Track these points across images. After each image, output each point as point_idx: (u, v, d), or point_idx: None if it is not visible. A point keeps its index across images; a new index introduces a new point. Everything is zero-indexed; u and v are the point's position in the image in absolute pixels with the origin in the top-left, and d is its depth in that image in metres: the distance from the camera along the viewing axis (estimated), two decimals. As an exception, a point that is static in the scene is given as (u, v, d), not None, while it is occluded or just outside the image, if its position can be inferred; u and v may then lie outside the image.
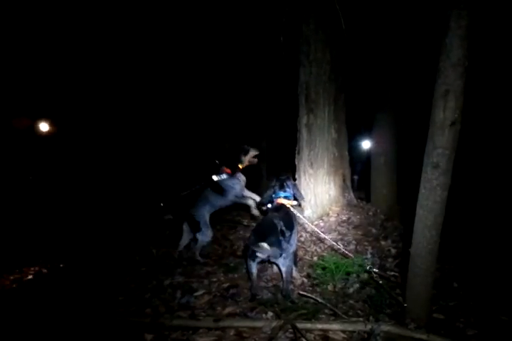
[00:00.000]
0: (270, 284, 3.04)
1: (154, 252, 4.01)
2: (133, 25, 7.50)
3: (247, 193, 3.81)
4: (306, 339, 2.19)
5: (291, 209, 3.09)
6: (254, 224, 4.20)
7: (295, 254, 2.99)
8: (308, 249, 3.64)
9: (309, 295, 2.67)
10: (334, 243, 3.26)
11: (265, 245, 2.51)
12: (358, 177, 6.73)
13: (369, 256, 3.29)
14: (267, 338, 2.23)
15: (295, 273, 3.05)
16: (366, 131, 6.55)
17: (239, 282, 3.12)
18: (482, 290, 2.78)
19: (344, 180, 4.61)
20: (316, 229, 3.38)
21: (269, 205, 3.21)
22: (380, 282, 2.69)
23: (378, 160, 4.73)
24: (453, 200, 2.27)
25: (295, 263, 3.02)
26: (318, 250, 3.59)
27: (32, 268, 3.83)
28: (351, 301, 2.67)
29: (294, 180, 4.16)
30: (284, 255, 2.65)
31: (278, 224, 2.71)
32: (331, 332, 2.27)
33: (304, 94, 4.21)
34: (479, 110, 6.01)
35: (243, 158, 3.73)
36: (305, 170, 4.28)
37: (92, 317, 2.64)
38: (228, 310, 2.63)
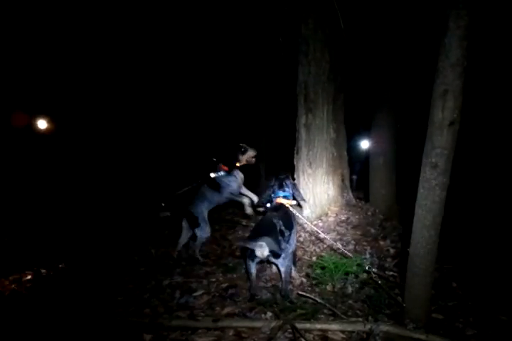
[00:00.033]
0: (269, 284, 3.04)
1: (153, 252, 3.99)
2: (133, 22, 7.46)
3: (245, 191, 3.79)
4: (305, 339, 2.19)
5: (291, 208, 3.09)
6: (253, 224, 4.20)
7: (294, 254, 2.99)
8: (307, 249, 3.64)
9: (308, 295, 2.67)
10: (333, 242, 3.26)
11: (264, 245, 2.51)
12: (356, 177, 6.71)
13: (368, 256, 3.30)
14: (266, 338, 2.23)
15: (294, 273, 3.05)
16: (365, 131, 6.54)
17: (238, 282, 3.12)
18: (481, 290, 2.79)
19: (343, 180, 4.62)
20: (315, 229, 3.38)
21: (268, 205, 3.21)
22: (379, 282, 2.69)
23: (377, 160, 4.72)
24: (452, 200, 2.27)
25: (294, 263, 3.02)
26: (317, 250, 3.59)
27: (31, 269, 3.81)
28: (350, 301, 2.67)
29: (293, 179, 4.15)
30: (283, 255, 2.64)
31: (277, 224, 2.71)
32: (330, 332, 2.27)
33: (302, 93, 4.21)
34: (478, 110, 6.02)
35: (240, 156, 3.73)
36: (304, 169, 4.28)
37: (91, 318, 2.63)
38: (227, 310, 2.63)
